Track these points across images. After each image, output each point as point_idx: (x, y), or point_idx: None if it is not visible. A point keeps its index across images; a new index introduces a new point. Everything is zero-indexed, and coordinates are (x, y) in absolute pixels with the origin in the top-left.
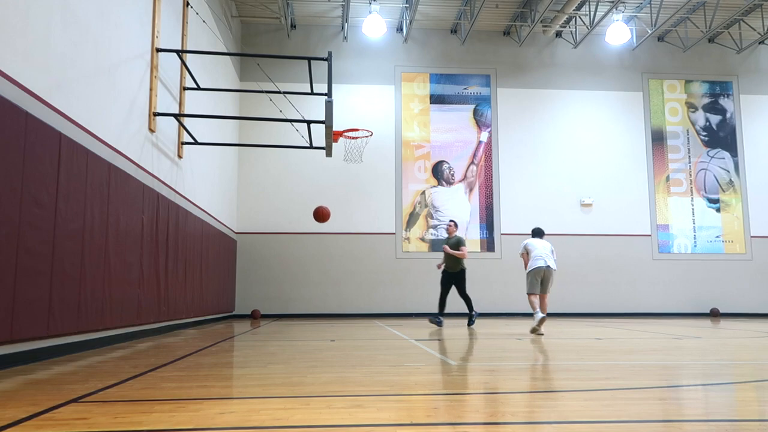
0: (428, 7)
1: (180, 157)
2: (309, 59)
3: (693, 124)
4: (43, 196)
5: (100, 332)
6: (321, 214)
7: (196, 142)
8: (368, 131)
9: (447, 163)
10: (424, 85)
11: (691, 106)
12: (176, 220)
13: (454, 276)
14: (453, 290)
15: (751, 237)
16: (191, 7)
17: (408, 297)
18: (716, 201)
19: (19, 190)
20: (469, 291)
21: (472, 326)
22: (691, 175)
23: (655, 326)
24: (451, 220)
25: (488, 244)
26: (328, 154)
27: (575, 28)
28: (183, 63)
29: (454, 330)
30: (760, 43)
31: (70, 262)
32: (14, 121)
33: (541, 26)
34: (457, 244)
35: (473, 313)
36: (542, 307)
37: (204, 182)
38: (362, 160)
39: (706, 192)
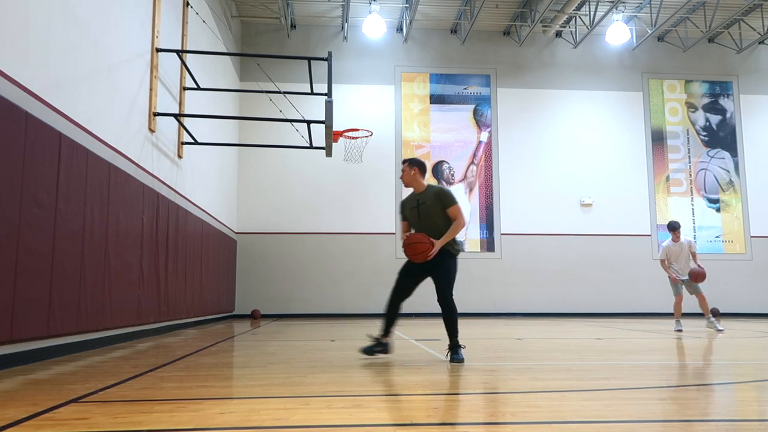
0: (428, 7)
1: (180, 157)
2: (309, 59)
3: (693, 124)
4: (43, 196)
5: (100, 332)
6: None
7: (196, 142)
8: (368, 131)
9: (447, 163)
10: (424, 85)
11: (691, 106)
12: (176, 220)
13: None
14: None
15: (751, 237)
16: (191, 7)
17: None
18: (716, 201)
19: (19, 190)
20: (468, 291)
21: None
22: (691, 175)
23: (655, 326)
24: (407, 160)
25: (488, 244)
26: (328, 154)
27: (575, 28)
28: (183, 63)
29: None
30: (760, 43)
31: (70, 262)
32: (14, 121)
33: (541, 26)
34: (440, 199)
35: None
36: (703, 308)
37: (204, 182)
38: (362, 160)
39: (706, 192)
